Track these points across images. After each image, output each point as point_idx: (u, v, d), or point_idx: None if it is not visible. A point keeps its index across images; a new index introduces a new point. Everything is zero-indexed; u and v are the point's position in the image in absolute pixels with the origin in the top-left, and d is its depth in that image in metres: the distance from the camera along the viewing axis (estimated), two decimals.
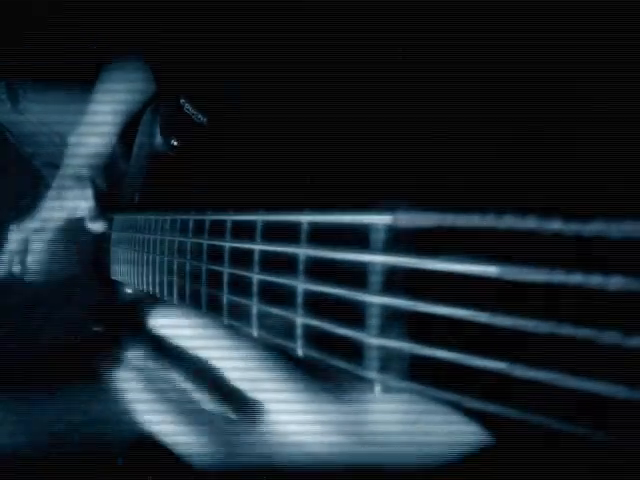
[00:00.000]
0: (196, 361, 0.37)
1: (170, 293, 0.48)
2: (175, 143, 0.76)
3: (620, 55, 0.31)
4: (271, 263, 0.31)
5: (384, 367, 0.22)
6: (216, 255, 0.38)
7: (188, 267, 0.44)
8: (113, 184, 0.90)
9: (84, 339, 0.92)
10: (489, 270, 0.17)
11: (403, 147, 0.46)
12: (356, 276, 0.23)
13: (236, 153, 0.66)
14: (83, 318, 0.96)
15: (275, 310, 0.30)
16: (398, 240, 0.21)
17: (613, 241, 0.14)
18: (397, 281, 0.21)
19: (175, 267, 0.48)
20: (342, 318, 0.24)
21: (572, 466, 0.20)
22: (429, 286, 0.20)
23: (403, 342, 0.21)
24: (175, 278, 0.47)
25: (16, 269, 0.82)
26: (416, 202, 0.20)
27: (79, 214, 0.83)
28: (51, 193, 0.82)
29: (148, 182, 0.82)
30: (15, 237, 0.81)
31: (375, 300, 0.22)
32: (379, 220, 0.22)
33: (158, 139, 0.76)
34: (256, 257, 0.32)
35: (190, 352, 0.38)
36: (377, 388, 0.22)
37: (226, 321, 0.36)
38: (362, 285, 0.23)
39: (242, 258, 0.34)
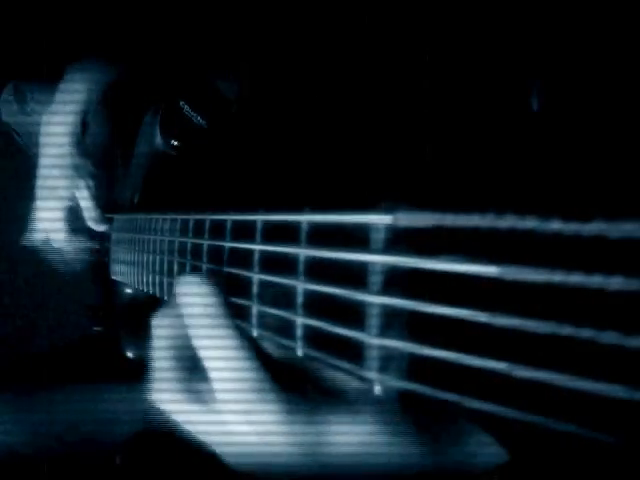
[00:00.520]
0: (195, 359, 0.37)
1: (170, 293, 0.48)
2: (175, 143, 0.76)
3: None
4: (273, 263, 0.31)
5: (384, 367, 0.22)
6: (217, 255, 0.38)
7: (188, 267, 0.44)
8: (113, 184, 0.90)
9: (84, 339, 0.93)
10: (489, 270, 0.17)
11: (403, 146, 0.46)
12: (356, 276, 0.23)
13: (235, 153, 0.67)
14: (83, 318, 0.96)
15: (275, 310, 0.30)
16: (398, 240, 0.21)
17: (613, 241, 0.14)
18: (397, 281, 0.21)
19: (175, 267, 0.48)
20: (342, 318, 0.24)
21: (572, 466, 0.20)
22: (429, 286, 0.20)
23: (403, 342, 0.21)
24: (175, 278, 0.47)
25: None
26: (416, 202, 0.21)
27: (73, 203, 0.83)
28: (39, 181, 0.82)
29: (148, 182, 0.82)
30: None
31: (375, 300, 0.22)
32: (379, 220, 0.22)
33: (158, 139, 0.76)
34: (256, 257, 0.32)
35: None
36: (377, 388, 0.22)
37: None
38: (362, 285, 0.23)
39: (243, 258, 0.34)
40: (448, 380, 0.19)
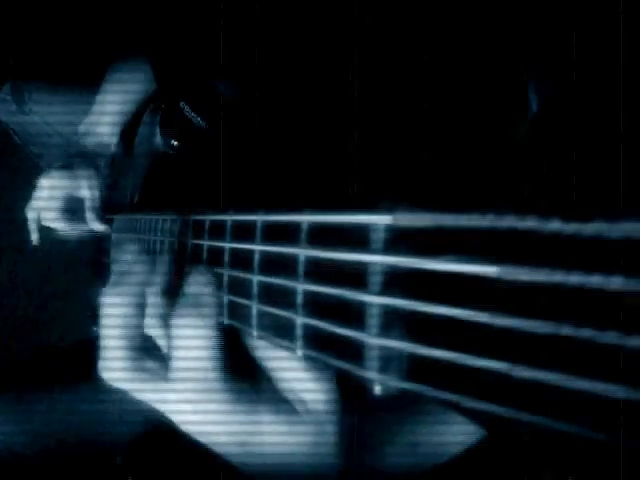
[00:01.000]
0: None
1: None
2: (175, 143, 0.76)
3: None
4: (273, 263, 0.31)
5: (384, 367, 0.22)
6: (216, 255, 0.38)
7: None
8: (113, 184, 0.90)
9: (84, 339, 0.92)
10: (489, 270, 0.17)
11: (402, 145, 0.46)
12: (356, 276, 0.23)
13: (235, 154, 0.67)
14: (83, 318, 0.96)
15: (275, 310, 0.30)
16: (398, 240, 0.21)
17: (613, 241, 0.14)
18: (397, 281, 0.21)
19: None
20: (342, 318, 0.24)
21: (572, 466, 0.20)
22: (429, 286, 0.20)
23: (403, 342, 0.21)
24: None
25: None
26: (416, 202, 0.20)
27: (84, 201, 0.83)
28: (57, 173, 0.82)
29: (148, 182, 0.82)
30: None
31: (375, 300, 0.22)
32: (379, 220, 0.22)
33: (158, 139, 0.76)
34: (256, 257, 0.32)
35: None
36: (377, 388, 0.22)
37: (226, 321, 0.36)
38: (362, 285, 0.23)
39: (243, 258, 0.34)
40: (448, 380, 0.19)
